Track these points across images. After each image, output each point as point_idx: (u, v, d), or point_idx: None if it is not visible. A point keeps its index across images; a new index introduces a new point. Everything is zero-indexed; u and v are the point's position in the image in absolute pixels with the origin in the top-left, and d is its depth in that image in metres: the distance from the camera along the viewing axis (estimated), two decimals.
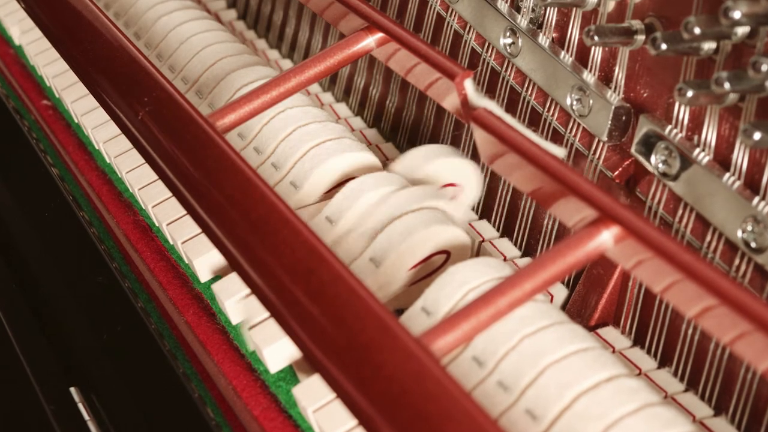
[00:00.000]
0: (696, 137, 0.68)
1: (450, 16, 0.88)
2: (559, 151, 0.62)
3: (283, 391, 0.71)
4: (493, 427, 0.49)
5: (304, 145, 0.79)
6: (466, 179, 0.79)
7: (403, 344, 0.53)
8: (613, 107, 0.72)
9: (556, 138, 0.78)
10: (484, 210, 0.86)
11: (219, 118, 0.71)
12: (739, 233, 0.64)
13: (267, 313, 0.68)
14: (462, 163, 0.78)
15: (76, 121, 0.97)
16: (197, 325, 0.77)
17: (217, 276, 0.79)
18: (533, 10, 0.80)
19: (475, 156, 0.86)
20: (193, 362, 0.77)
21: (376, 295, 0.55)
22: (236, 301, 0.74)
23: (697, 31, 0.61)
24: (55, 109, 1.00)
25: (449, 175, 0.78)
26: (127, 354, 0.79)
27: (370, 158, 0.79)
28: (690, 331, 0.69)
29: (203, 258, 0.78)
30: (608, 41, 0.71)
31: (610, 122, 0.73)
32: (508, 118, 0.64)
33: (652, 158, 0.70)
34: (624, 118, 0.73)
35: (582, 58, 0.76)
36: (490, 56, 0.84)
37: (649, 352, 0.72)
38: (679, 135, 0.69)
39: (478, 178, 0.79)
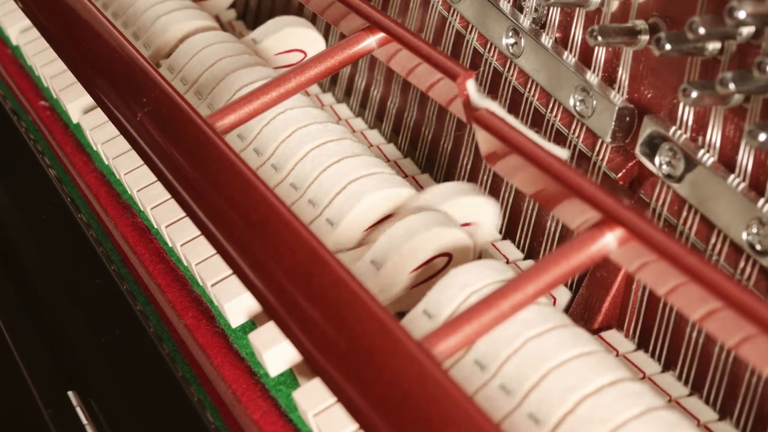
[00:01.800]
0: (700, 138, 0.68)
1: (452, 15, 0.88)
2: (562, 153, 0.62)
3: (284, 395, 0.71)
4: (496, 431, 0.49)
5: (304, 147, 0.79)
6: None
7: (404, 348, 0.52)
8: (616, 108, 0.72)
9: (559, 139, 0.78)
10: None
11: (218, 119, 0.71)
12: (744, 235, 0.64)
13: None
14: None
15: (74, 121, 0.96)
16: (196, 328, 0.76)
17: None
18: (536, 10, 0.79)
19: (477, 157, 0.86)
20: (192, 366, 0.76)
21: (378, 298, 0.55)
22: (236, 303, 0.74)
23: (701, 31, 0.61)
24: (52, 110, 1.00)
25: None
26: (125, 357, 0.79)
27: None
28: (694, 335, 0.69)
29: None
30: (612, 41, 0.71)
31: (613, 123, 0.72)
32: (511, 119, 0.64)
33: (656, 160, 0.69)
34: (628, 119, 0.73)
35: (585, 58, 0.76)
36: (493, 56, 0.84)
37: (653, 355, 0.72)
38: (684, 136, 0.69)
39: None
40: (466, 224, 0.76)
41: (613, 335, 0.74)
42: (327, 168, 0.77)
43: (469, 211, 0.76)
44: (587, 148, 0.76)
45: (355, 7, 0.74)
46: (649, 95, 0.72)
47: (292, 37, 0.94)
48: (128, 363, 0.78)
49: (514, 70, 0.82)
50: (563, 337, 0.61)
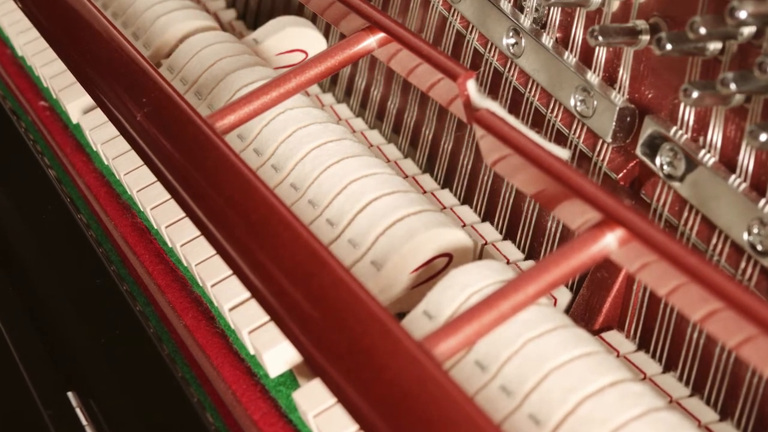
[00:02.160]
0: (701, 139, 0.67)
1: (452, 15, 0.88)
2: (563, 153, 0.61)
3: (284, 396, 0.71)
4: None
5: (304, 147, 0.79)
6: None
7: (404, 348, 0.52)
8: (617, 108, 0.72)
9: (560, 139, 0.78)
10: (487, 212, 0.85)
11: (218, 119, 0.71)
12: (745, 236, 0.64)
13: (267, 317, 0.67)
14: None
15: (74, 122, 0.96)
16: (196, 329, 0.76)
17: None
18: (536, 10, 0.79)
19: (478, 158, 0.86)
20: (192, 366, 0.76)
21: (378, 299, 0.55)
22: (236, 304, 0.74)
23: (702, 31, 0.61)
24: (52, 110, 1.00)
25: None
26: (125, 358, 0.79)
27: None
28: (695, 335, 0.68)
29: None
30: (612, 41, 0.71)
31: (614, 123, 0.72)
32: (511, 120, 0.64)
33: (657, 160, 0.69)
34: (628, 119, 0.72)
35: (586, 58, 0.76)
36: (493, 57, 0.84)
37: (653, 356, 0.72)
38: (685, 136, 0.68)
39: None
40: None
41: (613, 336, 0.73)
42: (327, 168, 0.77)
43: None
44: (588, 149, 0.76)
45: (356, 7, 0.74)
46: (649, 95, 0.72)
47: (293, 37, 0.94)
48: (128, 364, 0.78)
49: (514, 70, 0.82)
50: (564, 338, 0.61)
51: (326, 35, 1.03)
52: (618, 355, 0.72)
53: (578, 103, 0.75)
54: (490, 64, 0.84)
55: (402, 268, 0.70)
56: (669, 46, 0.64)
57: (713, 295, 0.51)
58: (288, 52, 0.95)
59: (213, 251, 0.66)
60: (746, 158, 0.65)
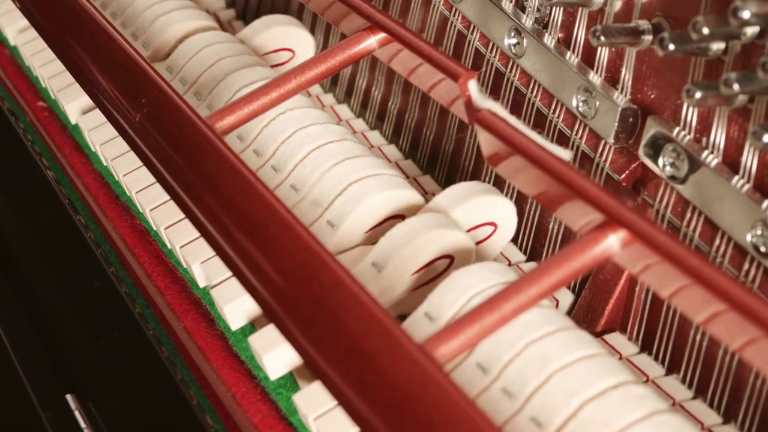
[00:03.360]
0: (704, 139, 0.67)
1: (454, 16, 0.87)
2: (565, 154, 0.61)
3: (284, 398, 0.71)
4: None
5: (304, 148, 0.78)
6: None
7: (405, 350, 0.52)
8: (619, 109, 0.72)
9: (562, 140, 0.78)
10: None
11: (218, 120, 0.70)
12: (749, 237, 0.63)
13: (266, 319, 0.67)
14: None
15: (72, 122, 0.96)
16: (196, 331, 0.76)
17: None
18: (538, 10, 0.79)
19: (479, 159, 0.85)
20: (191, 369, 0.76)
21: (379, 301, 0.54)
22: (236, 306, 0.73)
23: (705, 31, 0.61)
24: (51, 111, 1.00)
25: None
26: (124, 360, 0.78)
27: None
28: (698, 337, 0.68)
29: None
30: (615, 41, 0.70)
31: (616, 124, 0.72)
32: (513, 120, 0.63)
33: (660, 161, 0.69)
34: (631, 119, 0.72)
35: (588, 58, 0.76)
36: (495, 57, 0.84)
37: (656, 358, 0.71)
38: (687, 137, 0.68)
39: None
40: (487, 224, 0.75)
41: (616, 338, 0.73)
42: (328, 169, 0.76)
43: (488, 211, 0.76)
44: (590, 149, 0.75)
45: (356, 6, 0.74)
46: (652, 96, 0.72)
47: (279, 36, 0.94)
48: (127, 366, 0.78)
49: (516, 70, 0.82)
50: (566, 340, 0.61)
51: (326, 35, 1.03)
52: (620, 358, 0.71)
53: (580, 104, 0.75)
54: (492, 64, 0.84)
55: (403, 269, 0.70)
56: (672, 47, 0.63)
57: (716, 296, 0.51)
58: (274, 51, 0.94)
59: (213, 253, 0.66)
60: (749, 159, 0.64)
